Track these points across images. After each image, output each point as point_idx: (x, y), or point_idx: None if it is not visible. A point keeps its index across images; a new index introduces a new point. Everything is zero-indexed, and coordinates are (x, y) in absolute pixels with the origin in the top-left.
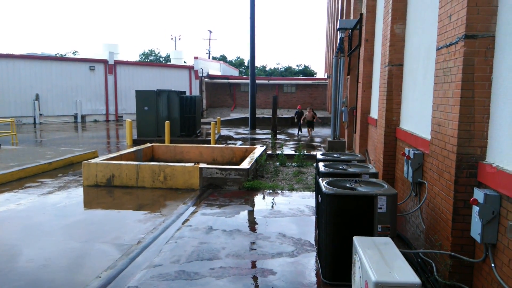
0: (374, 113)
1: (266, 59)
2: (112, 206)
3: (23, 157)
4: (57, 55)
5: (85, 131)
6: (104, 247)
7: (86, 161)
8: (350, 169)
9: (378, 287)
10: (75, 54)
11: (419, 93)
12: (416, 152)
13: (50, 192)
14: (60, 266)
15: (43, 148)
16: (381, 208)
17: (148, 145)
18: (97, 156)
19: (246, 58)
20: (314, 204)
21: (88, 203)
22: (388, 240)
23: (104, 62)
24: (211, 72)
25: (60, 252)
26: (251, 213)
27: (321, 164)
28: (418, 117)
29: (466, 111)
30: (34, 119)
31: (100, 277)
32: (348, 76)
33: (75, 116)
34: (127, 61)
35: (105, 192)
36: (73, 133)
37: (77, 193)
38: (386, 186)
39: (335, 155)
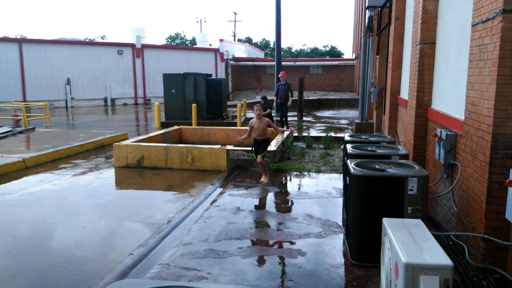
0: (404, 93)
1: (292, 41)
2: (143, 186)
3: (57, 139)
4: (86, 40)
5: (115, 114)
6: (136, 226)
7: (117, 143)
8: (379, 151)
9: (409, 268)
10: (104, 39)
11: (452, 71)
12: (448, 133)
13: (83, 173)
14: (93, 244)
15: (75, 131)
16: (411, 190)
17: (175, 127)
18: (127, 138)
19: (272, 40)
20: (341, 186)
21: (119, 184)
22: (418, 222)
23: (132, 46)
24: (237, 55)
25: (93, 230)
26: (277, 194)
27: (349, 146)
28: (451, 97)
29: (502, 89)
30: (66, 102)
31: (132, 254)
32: (377, 56)
33: (105, 100)
34: (154, 44)
35: (135, 173)
36: (103, 116)
37: (109, 174)
38: (417, 167)
39: (364, 137)
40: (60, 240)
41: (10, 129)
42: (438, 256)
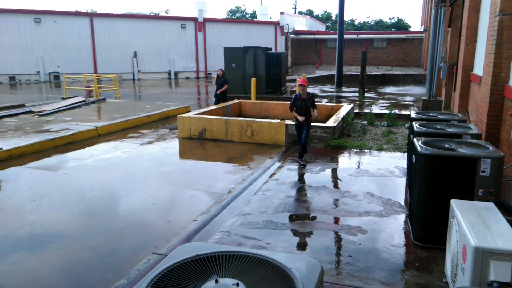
0: (478, 69)
1: (355, 13)
2: (204, 157)
3: (125, 110)
4: (151, 14)
5: (178, 87)
6: (198, 194)
7: (180, 115)
8: (449, 129)
9: (478, 252)
10: (167, 13)
11: None
12: None
13: (150, 142)
14: (159, 208)
15: (142, 102)
16: (484, 172)
17: (235, 101)
18: (190, 111)
19: (334, 11)
20: (405, 165)
21: (183, 154)
22: (490, 205)
23: (194, 20)
24: (297, 28)
25: (159, 196)
26: (337, 170)
27: (415, 124)
28: None
29: None
30: (133, 75)
31: (196, 220)
32: (449, 29)
33: (169, 73)
34: (215, 18)
35: (197, 144)
36: (167, 89)
37: (173, 144)
38: (491, 148)
39: (432, 114)
40: (129, 204)
41: (84, 99)
42: (511, 241)
